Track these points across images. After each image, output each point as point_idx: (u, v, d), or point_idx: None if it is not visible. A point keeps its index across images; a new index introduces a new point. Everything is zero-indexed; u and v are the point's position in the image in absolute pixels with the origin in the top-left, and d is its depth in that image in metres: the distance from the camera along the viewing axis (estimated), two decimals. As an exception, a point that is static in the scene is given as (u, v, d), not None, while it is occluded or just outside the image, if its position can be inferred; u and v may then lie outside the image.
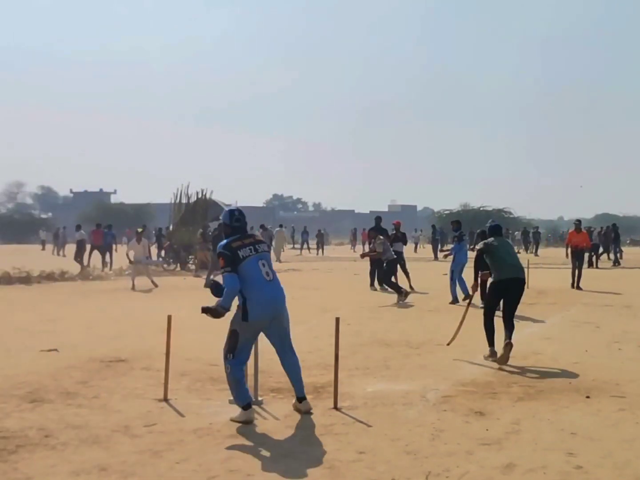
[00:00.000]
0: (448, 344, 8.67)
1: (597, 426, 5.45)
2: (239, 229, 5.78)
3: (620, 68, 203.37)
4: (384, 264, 14.80)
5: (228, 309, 5.59)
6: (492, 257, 8.44)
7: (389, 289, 14.93)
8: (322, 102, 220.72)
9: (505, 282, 8.28)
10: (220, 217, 5.81)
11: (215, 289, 5.70)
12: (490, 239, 8.60)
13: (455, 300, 13.72)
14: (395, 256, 15.02)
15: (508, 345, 7.85)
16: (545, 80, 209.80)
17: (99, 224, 25.30)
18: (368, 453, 4.81)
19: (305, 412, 5.79)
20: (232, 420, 5.60)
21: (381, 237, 15.18)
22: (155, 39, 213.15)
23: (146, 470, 4.50)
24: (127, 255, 18.24)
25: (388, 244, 15.23)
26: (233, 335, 5.63)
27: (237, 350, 5.61)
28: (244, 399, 5.61)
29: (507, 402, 6.18)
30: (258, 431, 5.34)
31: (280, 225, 34.64)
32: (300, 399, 5.86)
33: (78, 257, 23.67)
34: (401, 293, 13.94)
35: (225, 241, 5.71)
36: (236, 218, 5.80)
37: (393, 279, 15.05)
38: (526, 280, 8.83)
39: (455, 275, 14.08)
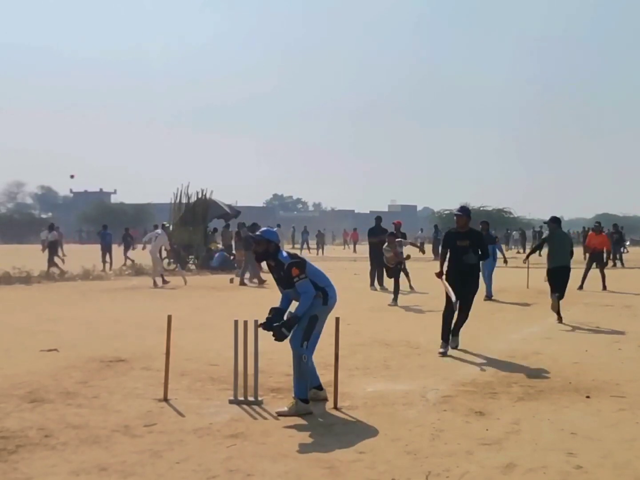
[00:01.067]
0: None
1: (597, 426, 5.44)
2: None
3: (621, 67, 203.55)
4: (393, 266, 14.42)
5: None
6: (548, 246, 11.27)
7: (389, 289, 14.87)
8: (322, 102, 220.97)
9: (552, 270, 11.14)
10: (263, 235, 6.11)
11: (293, 320, 5.87)
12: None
13: (489, 296, 14.71)
14: (403, 259, 14.55)
15: (556, 300, 11.09)
16: (545, 79, 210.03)
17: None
18: (368, 453, 4.81)
19: (324, 399, 6.12)
20: (286, 414, 5.70)
21: (401, 240, 14.83)
22: (155, 40, 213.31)
23: (146, 470, 4.50)
24: (162, 248, 19.04)
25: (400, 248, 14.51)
26: (312, 321, 5.90)
27: (311, 338, 5.90)
28: (308, 393, 5.89)
29: (507, 402, 6.18)
30: (258, 431, 5.34)
31: (278, 225, 34.59)
32: (319, 387, 6.21)
33: (51, 258, 22.92)
34: (395, 301, 13.83)
35: (285, 253, 6.11)
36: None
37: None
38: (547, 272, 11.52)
39: (487, 274, 14.55)
